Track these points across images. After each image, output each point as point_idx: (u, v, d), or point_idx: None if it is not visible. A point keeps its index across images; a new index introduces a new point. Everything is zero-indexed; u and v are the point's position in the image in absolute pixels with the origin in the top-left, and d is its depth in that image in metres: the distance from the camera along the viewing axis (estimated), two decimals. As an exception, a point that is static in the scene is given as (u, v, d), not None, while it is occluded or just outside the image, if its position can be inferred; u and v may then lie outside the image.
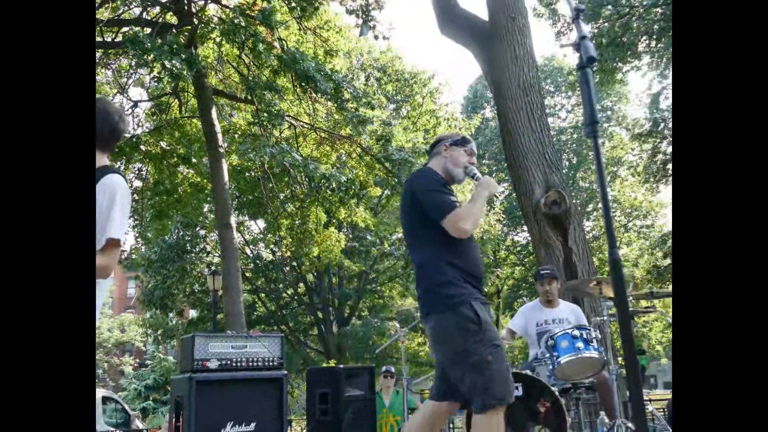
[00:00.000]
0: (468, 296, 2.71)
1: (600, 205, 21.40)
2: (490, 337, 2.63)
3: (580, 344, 3.80)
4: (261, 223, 18.62)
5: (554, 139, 13.95)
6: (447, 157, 3.04)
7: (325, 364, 16.25)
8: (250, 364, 4.41)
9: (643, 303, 5.47)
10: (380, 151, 11.69)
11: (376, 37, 11.08)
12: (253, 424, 4.21)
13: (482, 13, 9.21)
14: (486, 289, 17.59)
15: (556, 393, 3.78)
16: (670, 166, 14.90)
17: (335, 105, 10.95)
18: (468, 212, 2.78)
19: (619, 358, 4.62)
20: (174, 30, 10.28)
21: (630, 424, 3.60)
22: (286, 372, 4.60)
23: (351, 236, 17.38)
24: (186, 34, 10.24)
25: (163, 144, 12.91)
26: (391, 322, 16.76)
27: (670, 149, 14.80)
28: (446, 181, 2.98)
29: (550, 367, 4.01)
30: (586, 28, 1.87)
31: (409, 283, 18.84)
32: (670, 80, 14.74)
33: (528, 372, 4.02)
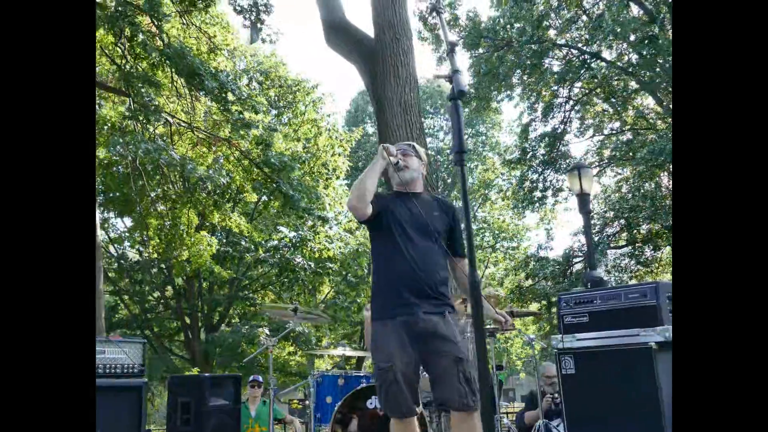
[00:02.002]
0: (380, 313, 2.87)
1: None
2: (377, 358, 2.79)
3: (443, 358, 3.96)
4: (128, 221, 17.68)
5: (431, 159, 14.44)
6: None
7: (189, 372, 15.66)
8: (108, 370, 4.19)
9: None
10: (259, 156, 11.52)
11: (263, 41, 10.93)
12: (106, 435, 3.99)
13: (369, 29, 9.39)
14: (359, 300, 17.77)
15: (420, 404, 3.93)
16: (536, 193, 15.91)
17: (219, 106, 10.66)
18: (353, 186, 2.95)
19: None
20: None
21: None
22: (146, 380, 4.42)
23: (224, 241, 16.93)
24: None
25: (22, 130, 11.90)
26: (261, 329, 16.47)
27: (535, 177, 15.82)
28: (394, 188, 3.15)
29: (414, 379, 4.15)
30: (459, 62, 1.99)
31: (282, 291, 18.63)
32: (539, 113, 15.79)
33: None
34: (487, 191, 23.25)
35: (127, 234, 18.20)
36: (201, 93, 10.52)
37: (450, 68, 1.96)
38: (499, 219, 23.55)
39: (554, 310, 14.34)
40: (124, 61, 11.01)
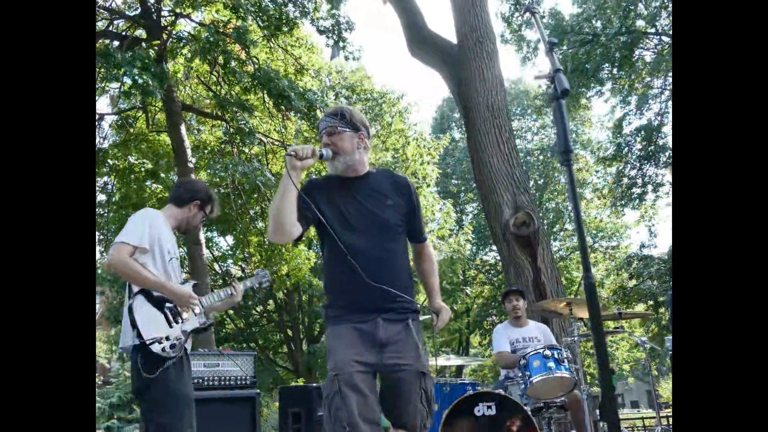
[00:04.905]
0: (334, 320, 2.48)
1: (566, 225, 21.79)
2: (329, 365, 2.39)
3: (552, 364, 3.87)
4: (230, 240, 18.47)
5: (521, 160, 14.22)
6: None
7: (294, 383, 16.10)
8: (223, 382, 4.39)
9: (611, 323, 5.62)
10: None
11: (346, 58, 11.18)
12: (225, 445, 4.18)
13: (451, 36, 9.39)
14: (456, 308, 17.64)
15: (528, 412, 3.85)
16: (634, 189, 15.28)
17: (309, 123, 10.98)
18: None
19: (589, 377, 4.70)
20: (143, 44, 10.23)
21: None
22: (258, 391, 4.59)
23: (321, 254, 17.34)
24: (155, 48, 10.20)
25: (130, 158, 12.80)
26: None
27: (633, 173, 15.19)
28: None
29: (522, 386, 4.08)
30: (544, 61, 1.96)
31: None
32: (632, 106, 15.18)
33: (500, 391, 4.09)
34: (581, 190, 22.51)
35: (230, 252, 19.01)
36: (290, 113, 10.87)
37: (550, 67, 1.93)
38: (596, 218, 22.75)
39: (662, 310, 13.67)
40: (218, 88, 11.57)
